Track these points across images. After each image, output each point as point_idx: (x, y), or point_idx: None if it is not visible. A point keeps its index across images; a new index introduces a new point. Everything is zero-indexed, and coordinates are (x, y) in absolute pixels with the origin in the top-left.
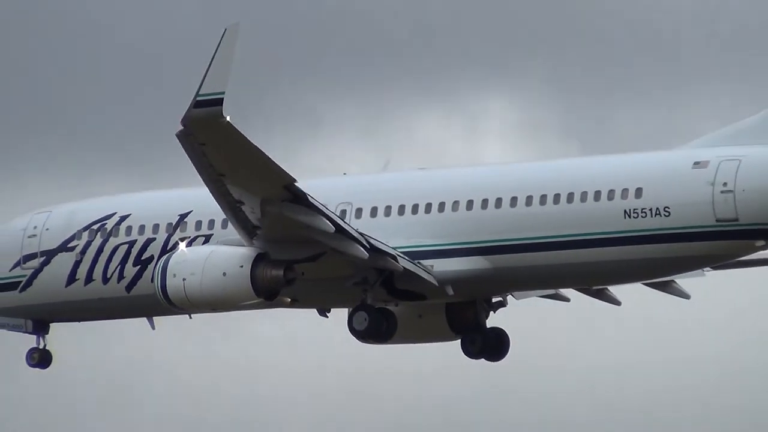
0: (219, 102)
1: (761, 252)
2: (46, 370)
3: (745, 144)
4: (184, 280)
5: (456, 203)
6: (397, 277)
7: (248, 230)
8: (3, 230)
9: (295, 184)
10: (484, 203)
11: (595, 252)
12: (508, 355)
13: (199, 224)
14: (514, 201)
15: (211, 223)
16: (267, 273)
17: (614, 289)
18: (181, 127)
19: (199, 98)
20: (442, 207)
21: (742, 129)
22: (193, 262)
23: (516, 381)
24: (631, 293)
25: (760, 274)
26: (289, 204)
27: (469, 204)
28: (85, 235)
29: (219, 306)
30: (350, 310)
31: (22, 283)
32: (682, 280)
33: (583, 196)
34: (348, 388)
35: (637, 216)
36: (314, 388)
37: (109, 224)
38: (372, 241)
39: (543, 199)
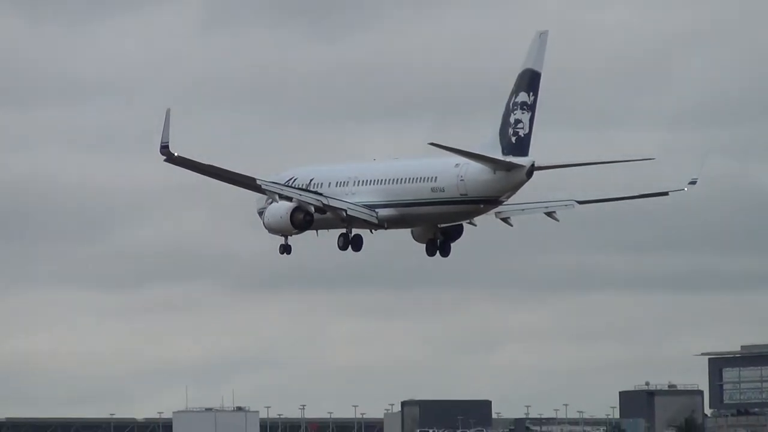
0: (167, 146)
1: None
2: (289, 255)
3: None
4: (268, 219)
5: (384, 180)
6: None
7: (284, 197)
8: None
9: (256, 180)
10: (392, 181)
11: (426, 208)
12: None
13: (301, 184)
14: (401, 180)
15: (311, 183)
16: (297, 217)
17: (514, 218)
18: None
19: (161, 144)
20: (380, 182)
21: (485, 144)
22: (272, 210)
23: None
24: (526, 219)
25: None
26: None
27: (389, 181)
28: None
29: (283, 233)
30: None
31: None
32: (559, 210)
33: (418, 180)
34: None
35: (435, 191)
36: None
37: (290, 183)
38: (330, 201)
39: (410, 180)
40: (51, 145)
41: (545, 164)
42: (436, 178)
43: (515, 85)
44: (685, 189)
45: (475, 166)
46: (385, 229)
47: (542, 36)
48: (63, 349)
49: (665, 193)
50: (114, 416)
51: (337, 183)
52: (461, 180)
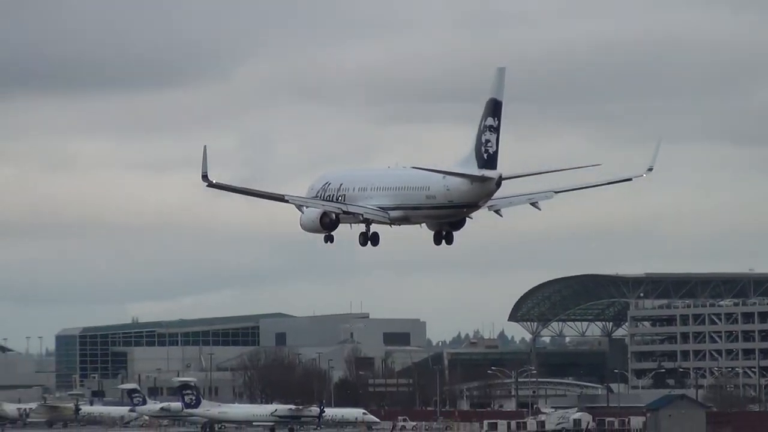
0: (207, 175)
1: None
2: (333, 243)
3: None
4: (304, 222)
5: (393, 188)
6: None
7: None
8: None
9: (284, 197)
10: (398, 189)
11: (424, 211)
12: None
13: (333, 188)
14: (405, 188)
15: (341, 187)
16: (324, 220)
17: (504, 210)
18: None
19: (202, 174)
20: (390, 189)
21: (462, 160)
22: (306, 215)
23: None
24: (514, 210)
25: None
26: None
27: (396, 188)
28: (320, 191)
29: (316, 232)
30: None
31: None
32: (542, 202)
33: (417, 189)
34: None
35: (429, 198)
36: None
37: (325, 187)
38: (349, 207)
39: (410, 188)
40: None
41: (511, 175)
42: (429, 187)
43: (483, 111)
44: (644, 175)
45: (457, 179)
46: (398, 225)
47: (501, 71)
48: (706, 206)
49: (629, 179)
50: (752, 271)
51: (359, 188)
52: (447, 189)
